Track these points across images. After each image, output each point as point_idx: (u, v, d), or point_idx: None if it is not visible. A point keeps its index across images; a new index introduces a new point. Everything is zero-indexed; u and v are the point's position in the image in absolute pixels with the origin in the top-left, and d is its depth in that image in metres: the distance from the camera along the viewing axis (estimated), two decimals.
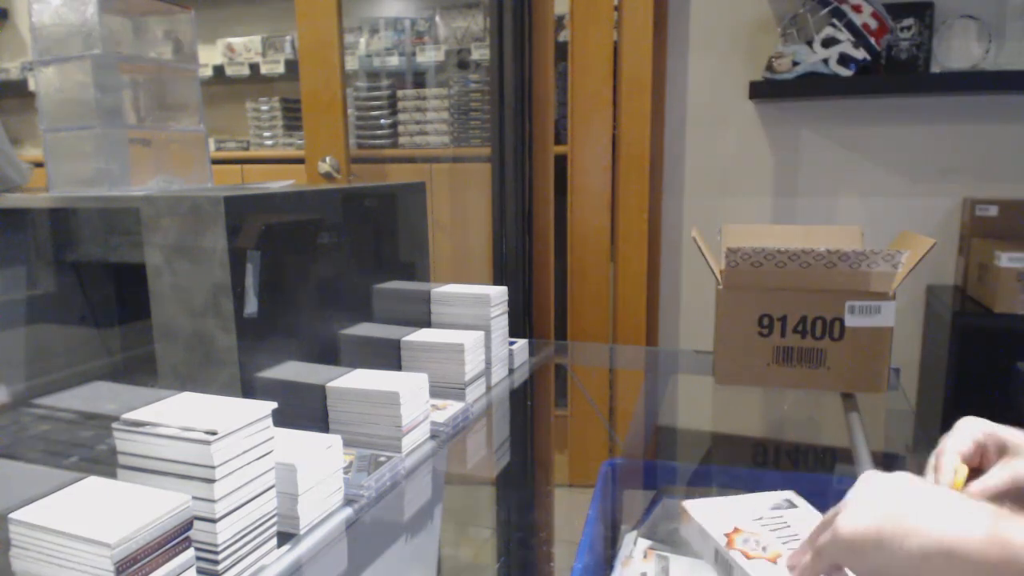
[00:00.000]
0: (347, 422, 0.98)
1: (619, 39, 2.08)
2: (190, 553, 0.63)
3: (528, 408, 1.30)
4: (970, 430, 0.64)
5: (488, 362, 1.26)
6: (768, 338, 1.20)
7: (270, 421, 0.72)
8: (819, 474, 1.10)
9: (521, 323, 2.00)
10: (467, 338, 1.17)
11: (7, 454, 0.93)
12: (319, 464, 0.79)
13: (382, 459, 0.92)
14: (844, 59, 1.87)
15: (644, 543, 0.80)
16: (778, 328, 1.20)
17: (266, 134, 3.12)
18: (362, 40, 2.87)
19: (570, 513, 0.92)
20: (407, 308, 1.30)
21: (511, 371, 1.37)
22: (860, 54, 1.86)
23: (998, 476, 0.60)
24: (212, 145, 3.14)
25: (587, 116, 2.09)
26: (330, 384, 0.98)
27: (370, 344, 1.18)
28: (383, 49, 2.82)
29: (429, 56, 2.77)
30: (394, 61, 2.81)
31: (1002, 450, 0.63)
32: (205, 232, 0.88)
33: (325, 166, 2.32)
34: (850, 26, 1.85)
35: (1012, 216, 1.89)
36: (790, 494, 0.83)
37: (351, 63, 2.82)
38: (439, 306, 1.30)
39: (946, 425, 0.65)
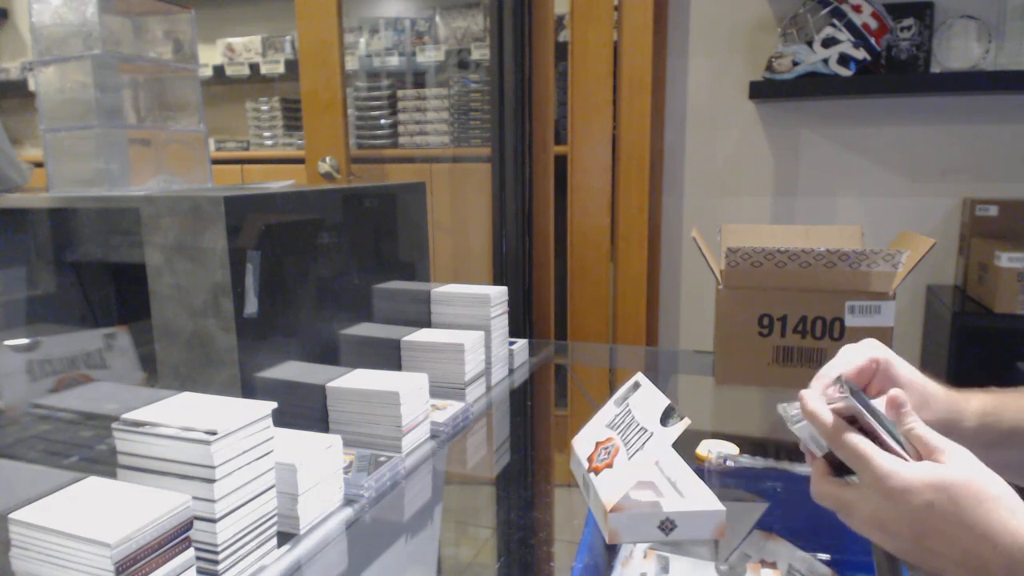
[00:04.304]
0: (347, 422, 0.98)
1: (619, 39, 2.08)
2: (190, 553, 0.63)
3: (528, 408, 1.30)
4: (867, 348, 0.68)
5: (488, 362, 1.26)
6: (768, 338, 1.20)
7: (270, 421, 0.72)
8: None
9: (521, 323, 2.00)
10: (467, 338, 1.17)
11: (7, 454, 0.93)
12: (319, 464, 0.79)
13: (382, 459, 0.92)
14: (844, 59, 1.87)
15: (644, 543, 0.80)
16: (778, 328, 1.20)
17: (266, 134, 3.12)
18: (362, 40, 2.87)
19: (570, 513, 0.92)
20: (407, 308, 1.30)
21: (511, 371, 1.37)
22: (860, 54, 1.86)
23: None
24: (212, 145, 3.14)
25: (587, 116, 2.09)
26: (330, 384, 0.98)
27: (370, 344, 1.18)
28: (383, 49, 2.82)
29: (429, 56, 2.77)
30: (394, 61, 2.81)
31: (885, 373, 0.67)
32: (205, 232, 0.88)
33: (325, 166, 2.32)
34: (850, 26, 1.85)
35: (1012, 216, 1.89)
36: (638, 376, 0.83)
37: (351, 63, 2.82)
38: (439, 306, 1.30)
39: None
